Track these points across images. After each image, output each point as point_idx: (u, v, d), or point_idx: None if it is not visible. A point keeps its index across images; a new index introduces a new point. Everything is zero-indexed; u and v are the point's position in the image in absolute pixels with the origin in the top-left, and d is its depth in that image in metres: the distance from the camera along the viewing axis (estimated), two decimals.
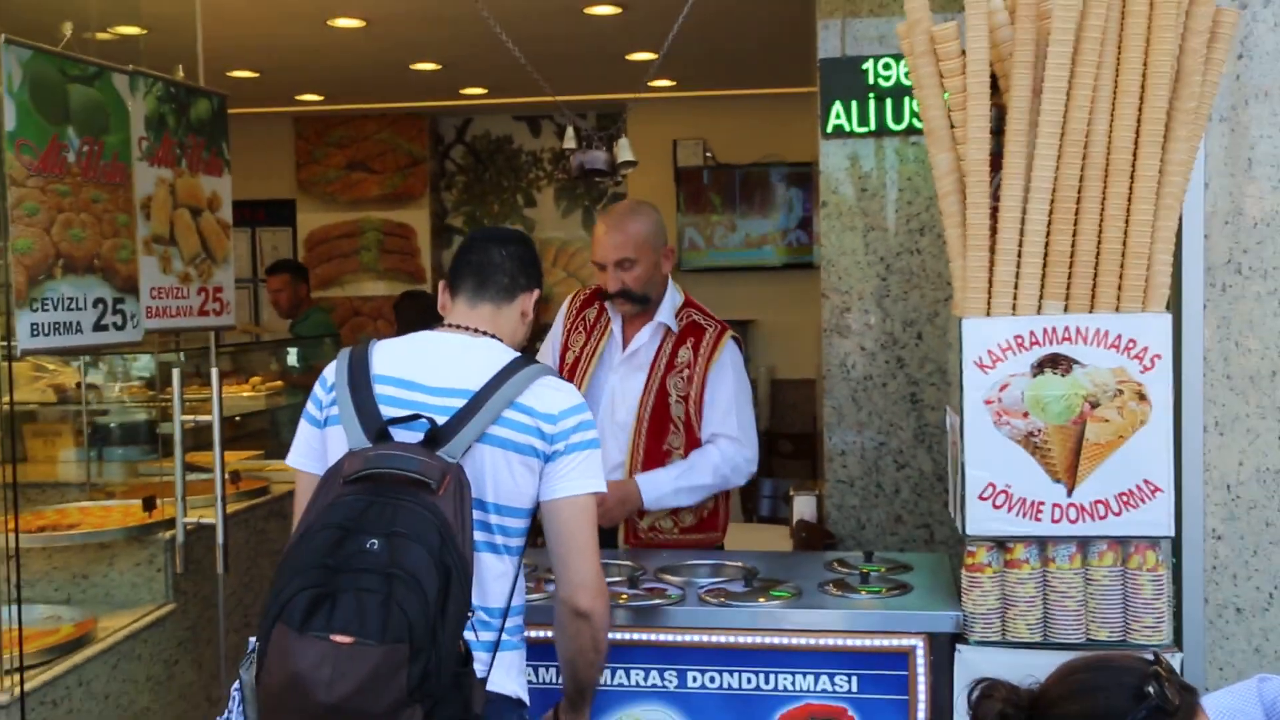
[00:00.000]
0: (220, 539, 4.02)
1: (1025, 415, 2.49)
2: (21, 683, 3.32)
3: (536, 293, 2.41)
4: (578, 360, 3.48)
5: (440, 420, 2.13)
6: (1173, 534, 2.49)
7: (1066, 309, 2.48)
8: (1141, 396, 2.45)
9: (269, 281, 6.89)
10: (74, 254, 3.39)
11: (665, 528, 3.34)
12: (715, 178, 8.42)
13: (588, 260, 9.03)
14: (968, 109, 2.44)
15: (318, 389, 2.30)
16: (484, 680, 2.12)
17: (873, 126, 4.01)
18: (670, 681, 2.67)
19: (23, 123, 3.22)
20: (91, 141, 3.48)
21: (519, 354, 2.29)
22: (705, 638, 2.66)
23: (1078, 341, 2.47)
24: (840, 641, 2.61)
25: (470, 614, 2.00)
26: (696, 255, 8.38)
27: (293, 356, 6.66)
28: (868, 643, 2.60)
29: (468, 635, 2.07)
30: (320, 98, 8.11)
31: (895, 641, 2.59)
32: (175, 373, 3.98)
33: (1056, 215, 2.45)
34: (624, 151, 3.48)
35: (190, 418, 4.12)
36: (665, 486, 3.21)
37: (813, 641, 2.62)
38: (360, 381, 2.20)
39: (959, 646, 2.55)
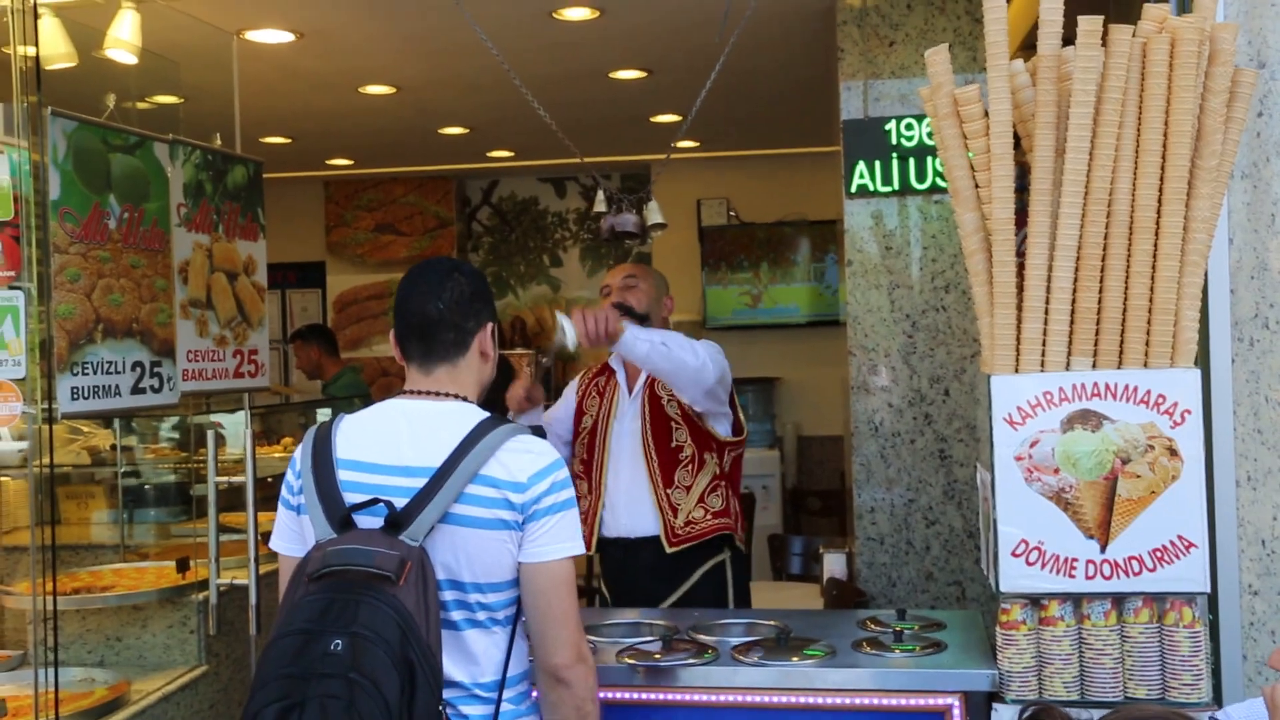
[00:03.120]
0: (253, 599, 4.04)
1: (1056, 471, 2.49)
2: None
3: (489, 326, 2.28)
4: (595, 423, 3.72)
5: (401, 502, 2.06)
6: (1209, 589, 2.48)
7: (1095, 365, 2.50)
8: (1173, 452, 2.46)
9: (293, 347, 7.00)
10: (113, 318, 3.46)
11: (699, 517, 3.56)
12: (739, 236, 8.47)
13: None
14: (992, 169, 2.48)
15: (289, 473, 2.24)
16: None
17: (896, 186, 4.06)
18: None
19: (66, 192, 3.30)
20: (132, 209, 3.57)
21: (486, 416, 2.19)
22: (739, 697, 2.65)
23: (1107, 397, 2.48)
24: (875, 701, 2.60)
25: (442, 706, 1.95)
26: (721, 313, 8.41)
27: (324, 417, 6.72)
28: (903, 702, 2.59)
29: (464, 709, 2.08)
30: (350, 162, 8.25)
31: (931, 701, 2.58)
32: (210, 434, 4.04)
33: (1083, 272, 2.47)
34: (654, 214, 3.56)
35: (224, 479, 4.16)
36: (655, 336, 3.32)
37: (848, 701, 2.61)
38: (323, 466, 2.13)
39: (995, 705, 2.54)
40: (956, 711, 2.57)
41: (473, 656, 2.12)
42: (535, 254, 9.09)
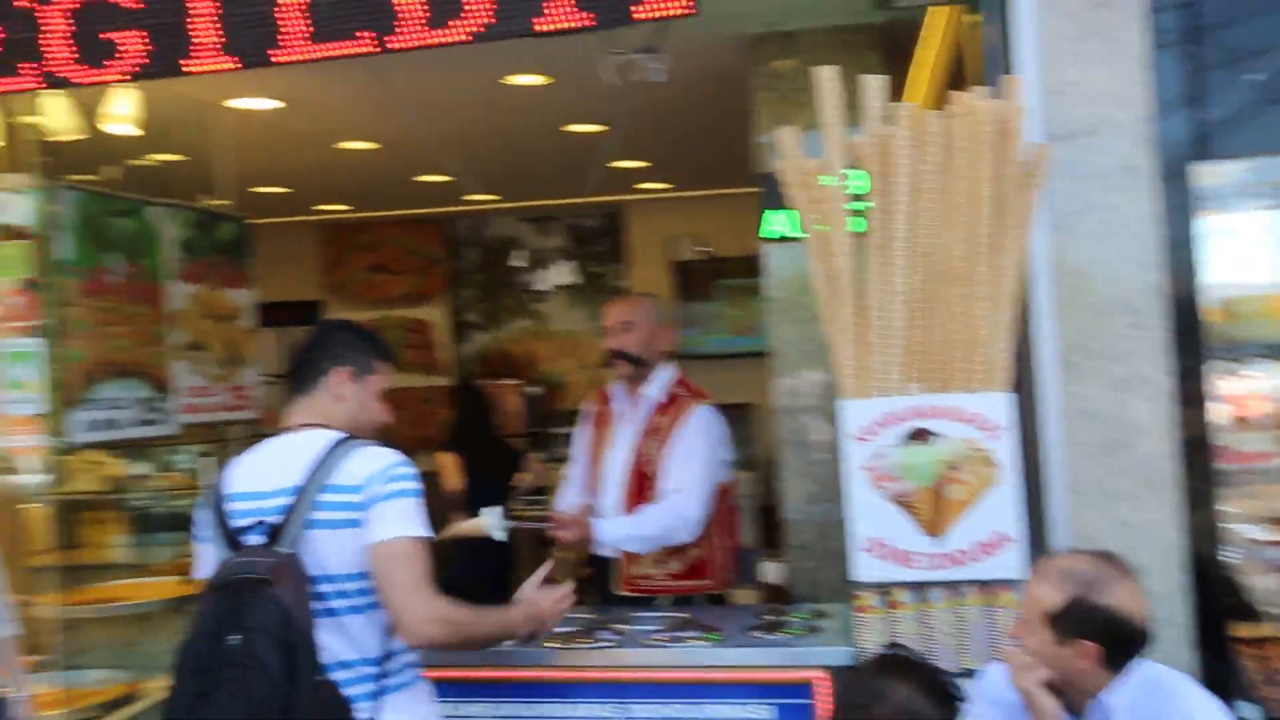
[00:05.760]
0: None
1: (897, 479, 2.99)
2: None
3: (347, 371, 2.68)
4: (597, 447, 3.99)
5: (275, 519, 2.52)
6: (1025, 577, 2.96)
7: (926, 390, 2.99)
8: (990, 462, 2.95)
9: None
10: (118, 360, 3.99)
11: (655, 575, 3.82)
12: (711, 269, 8.98)
13: (595, 349, 9.63)
14: (834, 227, 2.99)
15: (196, 514, 2.71)
16: None
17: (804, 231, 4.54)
18: (617, 712, 3.15)
19: (75, 252, 3.84)
20: (132, 265, 4.11)
21: (341, 437, 2.59)
22: (642, 675, 3.15)
23: (936, 417, 2.97)
24: (753, 675, 3.09)
25: (320, 678, 2.42)
26: (694, 342, 8.89)
27: None
28: (776, 675, 3.08)
29: (350, 689, 2.51)
30: (343, 207, 8.80)
31: (799, 674, 3.07)
32: (204, 462, 4.54)
33: (914, 314, 2.97)
34: (554, 276, 4.11)
35: None
36: (621, 531, 3.65)
37: (730, 675, 3.10)
38: (216, 502, 2.62)
39: None
40: (821, 683, 3.05)
41: (354, 637, 2.57)
42: (520, 289, 9.60)
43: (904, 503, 2.98)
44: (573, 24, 2.70)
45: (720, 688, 3.12)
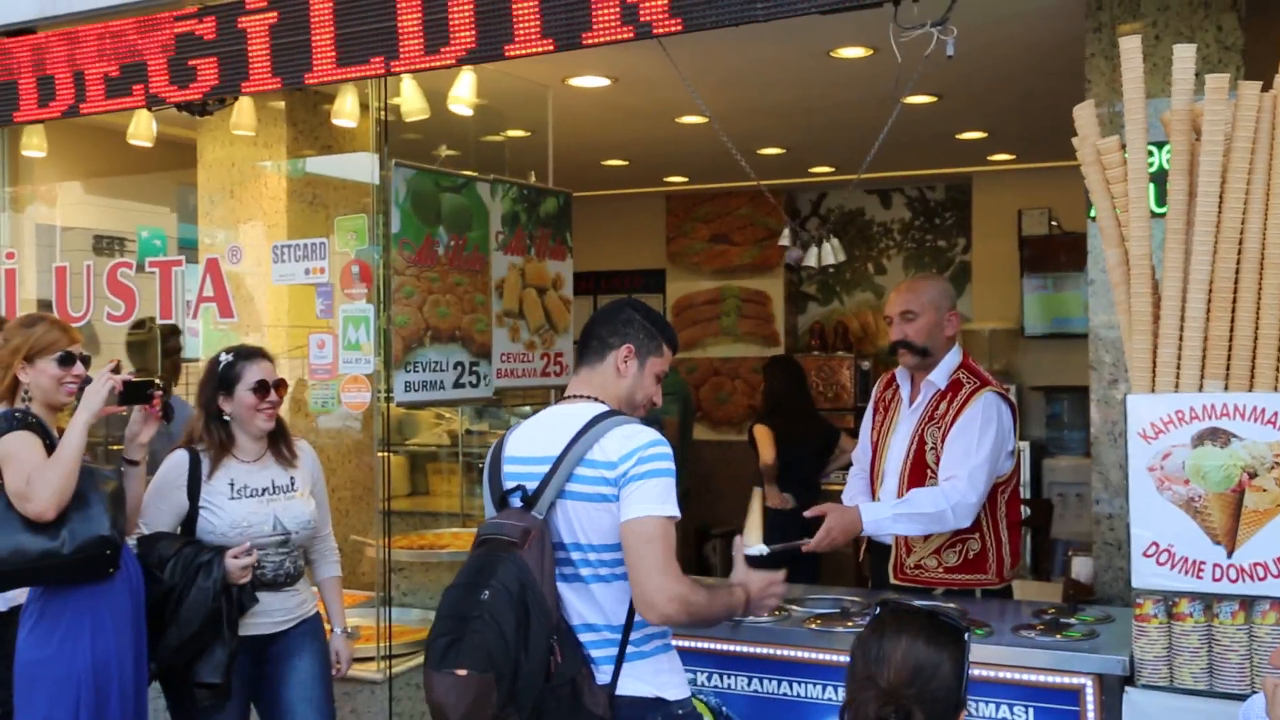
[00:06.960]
0: None
1: (1186, 482, 2.75)
2: (390, 667, 4.26)
3: (627, 348, 2.74)
4: (878, 436, 3.93)
5: (533, 486, 2.65)
6: None
7: (1226, 388, 2.73)
8: None
9: None
10: (440, 326, 4.31)
11: (930, 566, 3.70)
12: (1061, 245, 8.50)
13: None
14: (1130, 210, 2.77)
15: (484, 473, 2.87)
16: (608, 686, 2.60)
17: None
18: None
19: (405, 226, 4.18)
20: (457, 237, 4.42)
21: (603, 410, 2.67)
22: None
23: (1236, 417, 2.71)
24: (1017, 675, 2.95)
25: (553, 639, 2.52)
26: (1040, 322, 8.48)
27: None
28: (1041, 679, 2.93)
29: (592, 651, 2.61)
30: (685, 179, 9.01)
31: (1066, 679, 2.90)
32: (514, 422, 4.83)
33: (1215, 304, 2.71)
34: (828, 254, 4.02)
35: None
36: (884, 513, 3.56)
37: (992, 674, 2.98)
38: (494, 463, 2.78)
39: (1127, 688, 2.83)
40: (1090, 691, 2.87)
41: (599, 604, 2.65)
42: (860, 262, 9.50)
43: (1194, 508, 2.75)
44: None
45: (977, 685, 2.99)
